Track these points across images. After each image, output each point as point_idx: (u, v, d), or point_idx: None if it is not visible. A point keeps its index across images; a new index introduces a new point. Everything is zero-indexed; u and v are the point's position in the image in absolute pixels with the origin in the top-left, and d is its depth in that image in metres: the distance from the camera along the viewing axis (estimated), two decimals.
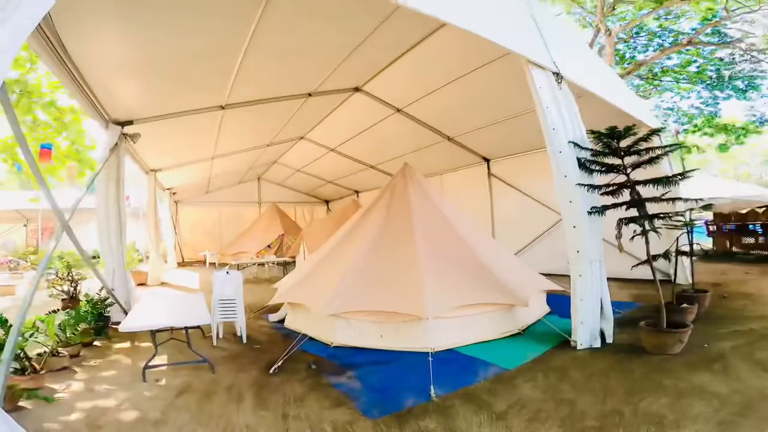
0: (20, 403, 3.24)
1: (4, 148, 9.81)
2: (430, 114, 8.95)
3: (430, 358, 3.87)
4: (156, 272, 10.61)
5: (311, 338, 4.74)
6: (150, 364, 4.03)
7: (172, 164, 11.02)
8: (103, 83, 5.40)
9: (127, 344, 5.12)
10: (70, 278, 6.40)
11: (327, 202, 20.26)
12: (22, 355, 3.61)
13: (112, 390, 3.63)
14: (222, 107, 7.10)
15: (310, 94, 7.65)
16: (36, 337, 4.08)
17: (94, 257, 8.14)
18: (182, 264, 15.89)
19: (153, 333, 4.06)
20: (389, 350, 4.46)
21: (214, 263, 14.29)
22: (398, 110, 8.78)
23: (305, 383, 3.71)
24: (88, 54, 4.61)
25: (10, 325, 3.38)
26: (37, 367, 3.66)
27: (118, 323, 6.00)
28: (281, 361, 4.10)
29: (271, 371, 3.96)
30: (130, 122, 6.63)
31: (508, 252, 6.57)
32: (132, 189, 17.94)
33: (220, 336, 5.28)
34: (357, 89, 8.06)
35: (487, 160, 10.99)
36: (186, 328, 4.04)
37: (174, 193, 15.26)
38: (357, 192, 17.14)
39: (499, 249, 6.07)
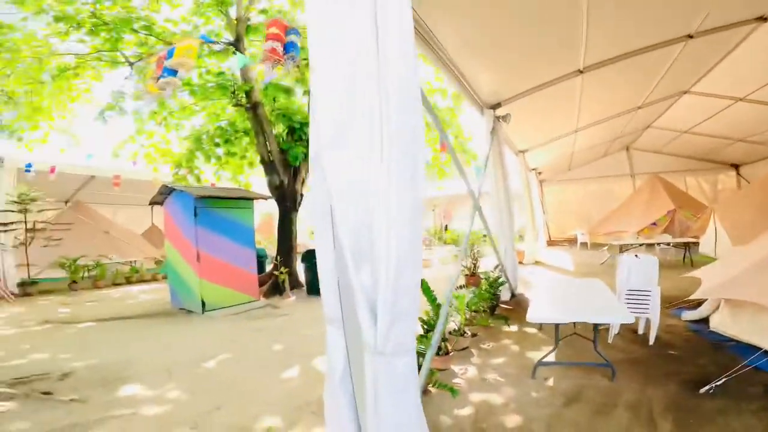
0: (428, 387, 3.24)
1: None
2: None
3: None
4: (532, 251, 10.57)
5: None
6: (544, 360, 3.56)
7: (536, 143, 10.76)
8: (469, 68, 5.41)
9: (514, 328, 4.88)
10: (472, 255, 6.96)
11: (736, 166, 14.63)
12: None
13: (500, 384, 3.35)
14: (580, 71, 6.07)
15: (690, 36, 5.39)
16: (452, 315, 4.34)
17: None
18: (550, 243, 15.54)
19: (557, 327, 3.57)
20: None
21: (586, 243, 13.05)
22: None
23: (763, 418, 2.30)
24: (451, 39, 4.59)
25: (439, 304, 3.50)
26: (449, 347, 3.76)
27: (505, 302, 6.17)
28: (723, 380, 2.78)
29: (702, 391, 2.75)
30: (498, 105, 6.61)
31: None
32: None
33: (616, 332, 4.24)
34: (764, 18, 4.99)
35: None
36: (596, 325, 3.32)
37: (540, 173, 15.05)
38: None
39: None
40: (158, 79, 4.50)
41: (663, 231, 11.63)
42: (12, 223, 8.62)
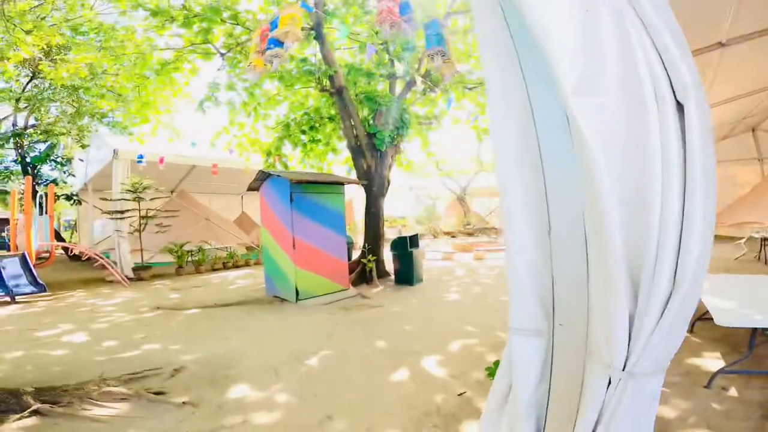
0: None
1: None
2: None
3: None
4: None
5: None
6: (726, 368, 2.92)
7: None
8: None
9: None
10: None
11: None
12: None
13: (665, 394, 2.71)
14: (721, 44, 4.97)
15: None
16: None
17: None
18: None
19: (755, 331, 2.85)
20: None
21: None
22: None
23: None
24: None
25: None
26: None
27: None
28: None
29: None
30: None
31: None
32: None
33: None
34: None
35: None
36: None
37: None
38: None
39: None
40: (264, 52, 4.15)
41: None
42: (127, 210, 9.24)
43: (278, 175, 6.36)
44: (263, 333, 4.70)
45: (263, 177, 6.72)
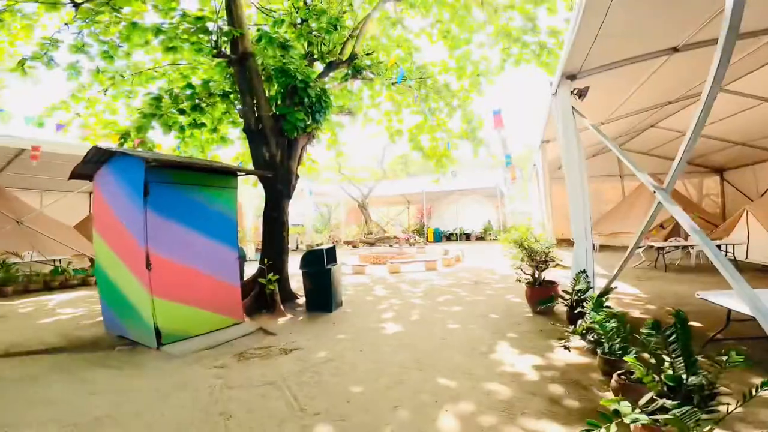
0: None
1: (411, 137, 10.21)
2: None
3: None
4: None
5: None
6: None
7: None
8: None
9: None
10: (537, 258, 5.13)
11: (720, 172, 14.31)
12: None
13: None
14: (675, 49, 4.63)
15: None
16: None
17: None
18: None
19: None
20: None
21: (594, 245, 11.92)
22: None
23: None
24: None
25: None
26: None
27: None
28: None
29: None
30: (574, 76, 5.08)
31: None
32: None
33: None
34: None
35: None
36: None
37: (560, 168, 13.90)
38: None
39: None
40: None
41: (669, 233, 10.78)
42: None
43: (124, 154, 4.04)
44: (94, 416, 2.49)
45: (100, 158, 4.27)
